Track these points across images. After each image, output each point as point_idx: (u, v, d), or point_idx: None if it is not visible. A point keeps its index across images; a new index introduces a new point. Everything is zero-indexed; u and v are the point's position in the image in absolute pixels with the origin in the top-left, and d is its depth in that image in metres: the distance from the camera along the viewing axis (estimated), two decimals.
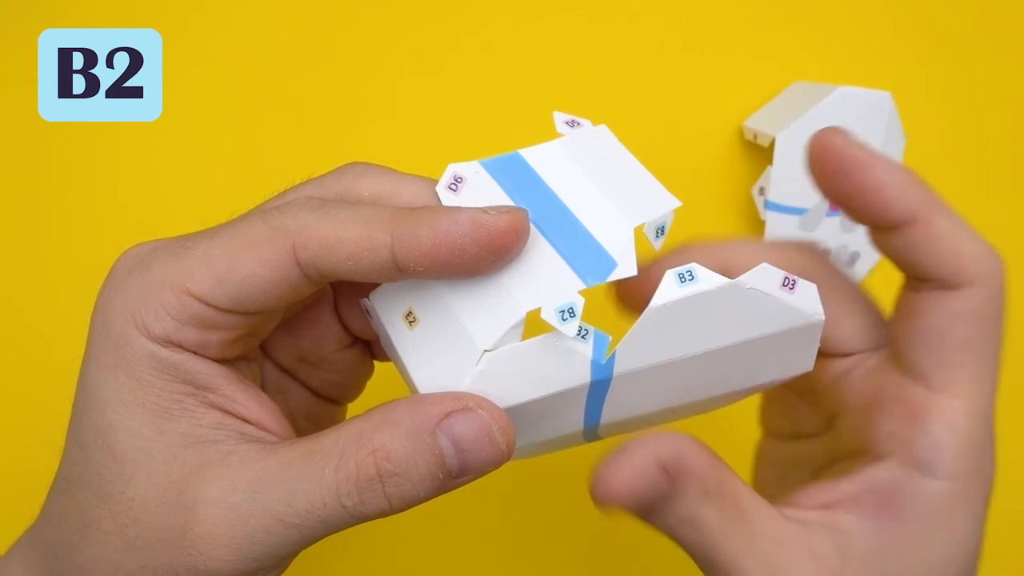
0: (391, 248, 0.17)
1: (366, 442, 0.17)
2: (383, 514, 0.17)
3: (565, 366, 0.18)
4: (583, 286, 0.18)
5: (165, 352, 0.18)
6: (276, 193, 0.21)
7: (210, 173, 0.36)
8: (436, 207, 0.18)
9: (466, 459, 0.17)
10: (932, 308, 0.20)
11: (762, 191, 0.36)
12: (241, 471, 0.17)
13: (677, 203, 0.19)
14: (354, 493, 0.17)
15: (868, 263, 0.37)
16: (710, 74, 0.37)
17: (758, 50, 0.37)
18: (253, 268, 0.17)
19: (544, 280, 0.18)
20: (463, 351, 0.18)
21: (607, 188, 0.20)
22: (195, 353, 0.18)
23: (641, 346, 0.18)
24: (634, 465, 0.18)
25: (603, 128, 0.21)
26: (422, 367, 0.19)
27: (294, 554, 0.18)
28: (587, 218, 0.19)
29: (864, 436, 0.21)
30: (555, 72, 0.36)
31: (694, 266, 0.18)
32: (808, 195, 0.35)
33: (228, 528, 0.17)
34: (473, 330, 0.18)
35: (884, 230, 0.20)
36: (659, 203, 0.20)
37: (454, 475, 0.17)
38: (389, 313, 0.19)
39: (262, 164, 0.36)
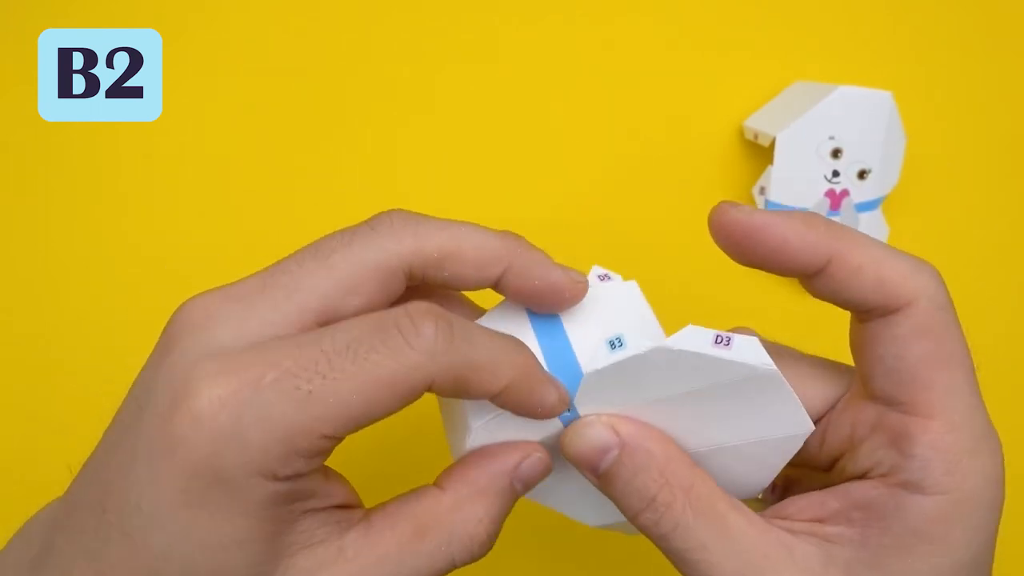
0: (504, 392, 0.20)
1: (470, 514, 0.21)
2: None
3: (536, 424, 0.21)
4: None
5: (286, 486, 0.18)
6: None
7: (210, 173, 0.36)
8: (536, 373, 0.21)
9: (529, 485, 0.21)
10: (881, 335, 0.20)
11: (763, 191, 0.36)
12: (360, 562, 0.19)
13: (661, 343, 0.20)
14: (460, 554, 0.20)
15: None
16: (710, 74, 0.37)
17: (758, 50, 0.37)
18: (390, 405, 0.19)
19: None
20: (463, 430, 0.22)
21: (607, 326, 0.22)
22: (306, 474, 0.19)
23: (595, 400, 0.21)
24: (589, 421, 0.21)
25: (632, 283, 0.24)
26: (451, 437, 0.23)
27: None
28: (577, 346, 0.22)
29: (851, 471, 0.22)
30: (555, 72, 0.37)
31: (623, 333, 0.20)
32: (808, 194, 0.35)
33: None
34: (468, 417, 0.21)
35: (810, 278, 0.21)
36: (647, 336, 0.21)
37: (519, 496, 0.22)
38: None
39: (262, 164, 0.36)
